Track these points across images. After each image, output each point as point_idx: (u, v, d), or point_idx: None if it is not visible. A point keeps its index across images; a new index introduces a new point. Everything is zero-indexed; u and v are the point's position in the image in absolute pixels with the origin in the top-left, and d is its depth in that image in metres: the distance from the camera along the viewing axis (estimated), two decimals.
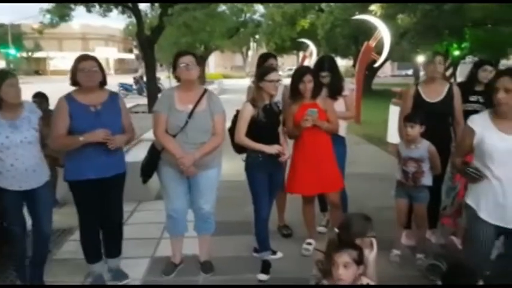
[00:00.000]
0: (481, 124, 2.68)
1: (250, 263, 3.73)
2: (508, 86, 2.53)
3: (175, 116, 3.31)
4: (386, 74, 48.23)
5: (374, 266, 2.64)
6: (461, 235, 3.61)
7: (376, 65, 16.41)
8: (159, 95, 3.53)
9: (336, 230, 2.72)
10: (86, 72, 3.14)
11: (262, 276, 3.50)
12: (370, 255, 2.63)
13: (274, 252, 3.85)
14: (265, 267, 3.56)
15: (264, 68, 3.75)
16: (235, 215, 4.79)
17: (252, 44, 40.08)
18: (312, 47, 24.79)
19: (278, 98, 4.09)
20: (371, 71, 22.85)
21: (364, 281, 2.54)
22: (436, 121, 3.64)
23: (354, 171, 6.41)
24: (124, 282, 3.48)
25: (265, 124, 3.53)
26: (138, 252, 4.03)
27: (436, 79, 3.92)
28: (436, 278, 3.45)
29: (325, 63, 4.19)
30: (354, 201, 4.55)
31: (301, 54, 33.64)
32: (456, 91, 3.87)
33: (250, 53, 51.17)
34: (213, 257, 3.76)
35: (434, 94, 3.88)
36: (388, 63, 38.83)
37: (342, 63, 41.17)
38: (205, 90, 3.47)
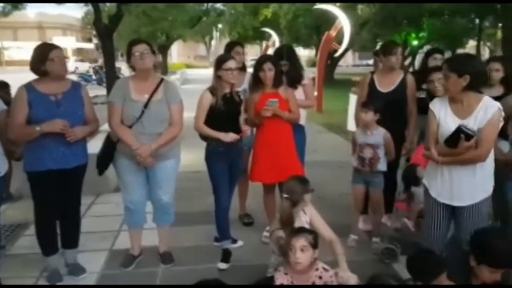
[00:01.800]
0: (439, 108, 2.82)
1: (211, 252, 3.73)
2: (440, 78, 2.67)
3: (130, 106, 3.25)
4: (348, 63, 49.00)
5: (321, 218, 2.98)
6: (414, 218, 3.74)
7: (337, 54, 16.62)
8: (114, 85, 3.45)
9: (285, 195, 2.92)
10: (58, 61, 3.09)
11: (222, 265, 3.52)
12: (310, 216, 2.92)
13: (234, 241, 3.87)
14: (226, 256, 3.57)
15: (221, 56, 3.72)
16: (196, 205, 4.77)
17: (215, 34, 39.75)
18: (275, 37, 24.84)
19: (245, 86, 4.09)
20: (333, 61, 23.16)
21: (320, 265, 2.61)
22: (389, 109, 3.74)
23: (315, 159, 6.53)
24: (81, 277, 3.41)
25: (224, 113, 3.51)
26: (96, 245, 3.96)
27: (393, 69, 4.01)
28: (391, 261, 3.58)
29: (284, 53, 4.20)
30: (314, 188, 4.61)
31: (264, 44, 33.66)
32: (410, 80, 3.97)
33: (213, 42, 50.74)
34: (173, 248, 3.74)
35: (387, 84, 3.99)
36: (349, 53, 39.42)
37: (305, 53, 41.53)
38: (162, 80, 3.42)
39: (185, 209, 4.58)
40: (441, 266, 2.46)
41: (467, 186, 2.75)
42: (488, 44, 35.87)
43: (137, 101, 3.25)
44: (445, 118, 2.77)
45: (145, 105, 3.24)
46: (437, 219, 2.93)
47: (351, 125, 8.08)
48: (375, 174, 3.74)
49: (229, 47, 4.30)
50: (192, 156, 4.75)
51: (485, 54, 31.79)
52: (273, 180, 3.94)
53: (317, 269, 2.59)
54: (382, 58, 4.03)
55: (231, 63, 3.50)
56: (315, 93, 13.23)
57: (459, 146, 2.64)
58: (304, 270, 2.56)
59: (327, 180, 5.60)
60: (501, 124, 2.72)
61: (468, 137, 2.60)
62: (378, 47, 4.43)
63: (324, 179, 5.60)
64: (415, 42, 28.16)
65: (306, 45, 29.23)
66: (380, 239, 3.83)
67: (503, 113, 2.70)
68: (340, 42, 13.77)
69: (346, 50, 19.67)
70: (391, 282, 1.74)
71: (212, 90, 3.54)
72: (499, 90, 3.59)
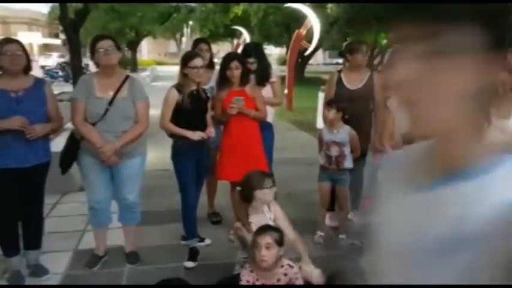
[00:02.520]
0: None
1: (178, 251, 3.70)
2: None
3: (94, 103, 3.19)
4: (319, 62, 49.39)
5: (285, 217, 2.93)
6: None
7: (307, 53, 16.75)
8: (78, 82, 3.38)
9: (238, 188, 2.94)
10: (9, 55, 2.99)
11: (189, 264, 3.50)
12: (274, 213, 2.88)
13: (202, 239, 3.85)
14: (193, 254, 3.55)
15: (187, 53, 3.69)
16: (164, 204, 4.72)
17: (186, 30, 39.34)
18: (246, 35, 24.79)
19: (212, 83, 4.07)
20: (303, 59, 23.29)
21: (285, 262, 2.63)
22: (357, 107, 3.80)
23: (284, 157, 6.58)
24: (44, 278, 3.33)
25: (191, 110, 3.49)
26: (60, 245, 3.88)
27: (360, 67, 4.08)
28: (356, 256, 3.64)
29: (252, 50, 4.21)
30: (283, 186, 4.63)
31: (235, 41, 33.58)
32: (377, 78, 4.04)
33: (184, 39, 50.25)
34: (140, 247, 3.70)
35: (355, 81, 4.04)
36: (320, 52, 39.75)
37: (276, 51, 41.63)
38: (127, 76, 3.37)
39: (152, 208, 4.53)
40: None
41: None
42: None
43: (101, 98, 3.19)
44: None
45: (110, 103, 3.18)
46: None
47: (320, 123, 8.18)
48: (342, 172, 3.79)
49: (195, 44, 4.28)
50: (159, 154, 4.70)
51: None
52: (240, 178, 3.94)
53: (282, 266, 2.61)
54: (349, 56, 4.08)
55: (197, 61, 3.47)
56: (285, 92, 13.34)
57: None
58: (269, 268, 2.57)
59: (296, 178, 5.64)
60: None
61: None
62: (343, 47, 4.44)
63: (293, 176, 5.64)
64: (384, 41, 28.65)
65: (277, 44, 29.31)
66: (346, 235, 3.88)
67: None
68: (310, 41, 13.86)
69: (316, 49, 19.85)
70: (350, 278, 1.76)
71: (178, 87, 3.51)
72: None
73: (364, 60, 4.09)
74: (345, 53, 4.12)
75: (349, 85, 4.04)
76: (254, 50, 4.21)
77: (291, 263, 2.65)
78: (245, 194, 2.95)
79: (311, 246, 3.84)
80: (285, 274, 2.60)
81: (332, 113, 3.68)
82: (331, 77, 4.25)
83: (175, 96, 3.48)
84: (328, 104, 3.75)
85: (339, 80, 4.09)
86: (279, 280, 2.59)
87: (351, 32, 19.64)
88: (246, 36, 24.68)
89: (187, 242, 3.68)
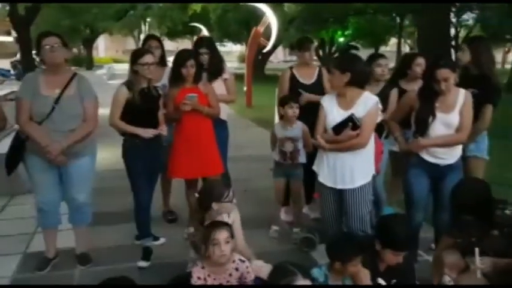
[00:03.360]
0: (328, 101, 3.15)
1: (132, 251, 3.65)
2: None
3: (40, 101, 3.09)
4: (279, 59, 49.78)
5: (240, 227, 2.96)
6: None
7: (265, 50, 16.84)
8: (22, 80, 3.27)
9: (196, 194, 2.94)
10: None
11: (143, 263, 3.45)
12: (232, 220, 2.88)
13: (156, 238, 3.82)
14: (146, 254, 3.51)
15: (137, 50, 3.64)
16: (117, 204, 4.63)
17: (144, 27, 38.64)
18: (205, 32, 24.66)
19: (164, 81, 4.03)
20: (263, 56, 23.43)
21: (236, 257, 2.65)
22: (310, 102, 3.87)
23: (243, 154, 6.64)
24: None
25: (142, 108, 3.45)
26: (9, 249, 3.76)
27: (309, 63, 4.16)
28: (309, 250, 3.71)
29: (204, 42, 4.22)
30: (240, 183, 4.70)
31: (195, 38, 33.32)
32: (324, 73, 4.12)
33: (142, 36, 49.40)
34: (92, 248, 3.62)
35: (308, 76, 4.14)
36: (280, 49, 40.06)
37: (237, 48, 41.62)
38: (75, 74, 3.29)
39: (105, 209, 4.47)
40: (358, 250, 2.59)
41: (349, 171, 3.06)
42: (409, 41, 37.95)
43: (47, 96, 3.10)
44: (332, 110, 3.08)
45: (56, 101, 3.10)
46: (328, 203, 3.24)
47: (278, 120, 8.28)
48: (296, 167, 3.86)
49: (145, 41, 4.24)
50: (112, 155, 4.61)
51: (406, 50, 33.60)
52: (194, 176, 3.93)
53: (234, 261, 2.63)
54: (298, 53, 4.17)
55: (147, 58, 3.43)
56: (245, 89, 13.38)
57: (342, 133, 2.96)
58: (224, 263, 2.59)
59: (254, 174, 5.69)
60: (379, 117, 3.13)
61: (355, 126, 2.93)
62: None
63: (250, 172, 5.69)
64: (341, 39, 29.24)
65: (237, 41, 29.31)
66: (300, 229, 3.95)
67: (380, 106, 3.07)
68: (268, 38, 13.96)
69: (275, 46, 19.98)
70: (293, 270, 1.81)
71: (129, 85, 3.46)
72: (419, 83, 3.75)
73: (311, 58, 4.19)
74: (295, 49, 4.19)
75: (303, 80, 4.12)
76: (206, 43, 4.21)
77: (242, 258, 2.67)
78: (203, 203, 2.93)
79: (266, 241, 3.89)
80: (237, 269, 2.62)
81: (296, 110, 3.74)
82: (283, 73, 4.29)
83: (125, 93, 3.42)
84: (289, 100, 3.78)
85: (292, 76, 4.15)
86: (230, 275, 2.60)
87: (308, 30, 19.91)
88: (206, 33, 24.57)
89: (141, 241, 3.64)
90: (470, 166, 3.42)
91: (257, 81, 15.54)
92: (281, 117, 3.91)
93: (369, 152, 3.11)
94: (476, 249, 2.56)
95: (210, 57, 4.08)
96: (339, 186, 3.11)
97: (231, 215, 3.01)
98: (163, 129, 3.53)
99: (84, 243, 3.58)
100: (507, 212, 2.70)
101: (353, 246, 2.60)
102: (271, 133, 4.02)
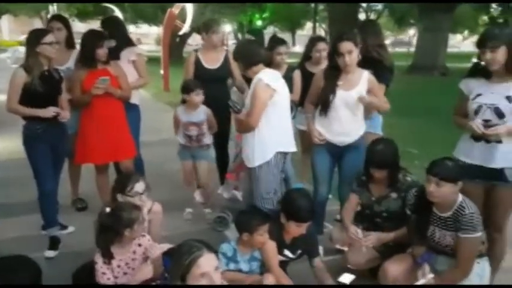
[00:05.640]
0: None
1: (39, 241, 3.52)
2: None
3: None
4: (198, 42, 49.11)
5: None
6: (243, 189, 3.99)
7: (181, 33, 16.56)
8: None
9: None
10: None
11: (50, 253, 3.35)
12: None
13: (64, 227, 3.70)
14: (53, 243, 3.40)
15: (37, 30, 3.43)
16: (20, 194, 4.43)
17: (52, 8, 36.12)
18: (118, 13, 23.64)
19: (70, 64, 3.85)
20: (182, 39, 23.00)
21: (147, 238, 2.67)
22: (215, 85, 3.90)
23: (159, 138, 6.55)
24: None
25: (42, 93, 3.27)
26: None
27: (216, 46, 4.14)
28: (223, 229, 3.80)
29: (109, 22, 4.13)
30: (153, 167, 4.68)
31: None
32: (230, 57, 4.13)
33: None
34: None
35: (213, 61, 4.12)
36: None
37: (154, 31, 40.38)
38: None
39: (7, 200, 4.27)
40: (263, 219, 2.72)
41: (250, 151, 3.11)
42: (324, 25, 39.22)
43: None
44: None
45: None
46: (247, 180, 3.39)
47: None
48: (201, 148, 3.92)
49: (48, 23, 4.02)
50: (13, 143, 4.34)
51: (321, 34, 34.70)
52: (105, 161, 3.84)
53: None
54: (205, 36, 4.11)
55: (50, 37, 3.26)
56: (161, 72, 13.11)
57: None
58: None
59: (168, 158, 5.62)
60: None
61: (235, 110, 3.08)
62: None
63: (165, 157, 5.63)
64: (259, 23, 29.51)
65: (153, 23, 28.46)
66: (212, 209, 4.02)
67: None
68: (184, 21, 13.73)
69: (193, 29, 19.68)
70: (197, 245, 1.86)
71: (27, 68, 3.26)
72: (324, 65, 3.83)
73: (219, 41, 4.15)
74: (201, 32, 4.15)
75: (207, 64, 4.10)
76: (113, 22, 4.11)
77: (149, 237, 2.70)
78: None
79: (181, 223, 3.92)
80: (139, 245, 2.64)
81: (201, 97, 3.77)
82: (189, 57, 4.24)
83: (22, 77, 3.23)
84: (195, 87, 3.76)
85: (197, 59, 4.11)
86: (134, 252, 2.63)
87: (225, 13, 19.86)
88: (118, 14, 23.55)
89: (47, 231, 3.50)
90: (366, 141, 3.64)
91: (175, 64, 15.27)
92: (183, 101, 3.89)
93: (262, 132, 3.04)
94: (359, 230, 2.94)
95: (116, 37, 3.94)
96: (249, 165, 3.14)
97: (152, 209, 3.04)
98: (66, 115, 3.37)
99: None
100: (408, 178, 2.97)
101: (259, 216, 2.72)
102: (173, 116, 4.00)
